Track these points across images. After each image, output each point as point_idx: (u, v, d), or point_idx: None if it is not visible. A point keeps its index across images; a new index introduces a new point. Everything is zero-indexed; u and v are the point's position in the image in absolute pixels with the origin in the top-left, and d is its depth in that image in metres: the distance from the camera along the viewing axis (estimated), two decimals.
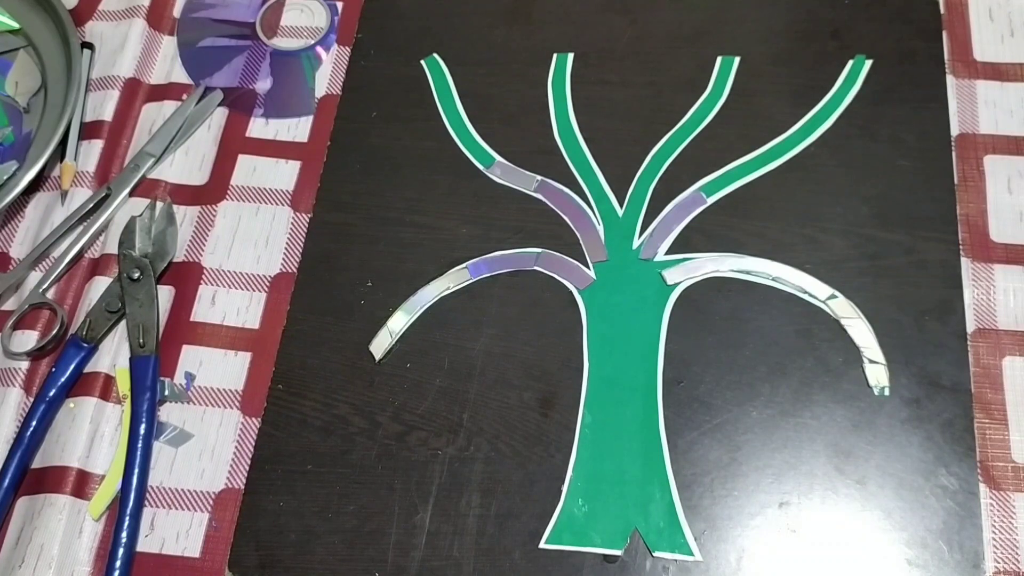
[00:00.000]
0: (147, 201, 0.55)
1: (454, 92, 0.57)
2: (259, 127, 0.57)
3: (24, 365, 0.51)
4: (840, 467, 0.45)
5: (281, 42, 0.61)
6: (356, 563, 0.45)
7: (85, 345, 0.50)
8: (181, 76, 0.60)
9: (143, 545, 0.46)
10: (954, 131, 0.53)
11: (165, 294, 0.52)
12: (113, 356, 0.51)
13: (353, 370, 0.49)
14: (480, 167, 0.54)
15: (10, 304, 0.53)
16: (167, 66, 0.60)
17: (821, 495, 0.45)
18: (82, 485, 0.48)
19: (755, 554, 0.44)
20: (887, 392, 0.46)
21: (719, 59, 0.56)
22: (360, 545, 0.45)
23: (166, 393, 0.50)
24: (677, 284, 0.50)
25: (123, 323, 0.51)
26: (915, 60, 0.55)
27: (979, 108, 0.53)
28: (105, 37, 0.61)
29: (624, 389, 0.47)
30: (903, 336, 0.47)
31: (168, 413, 0.49)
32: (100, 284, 0.52)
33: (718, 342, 0.48)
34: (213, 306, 0.52)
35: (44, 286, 0.53)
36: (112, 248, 0.53)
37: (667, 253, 0.51)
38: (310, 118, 0.57)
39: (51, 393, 0.49)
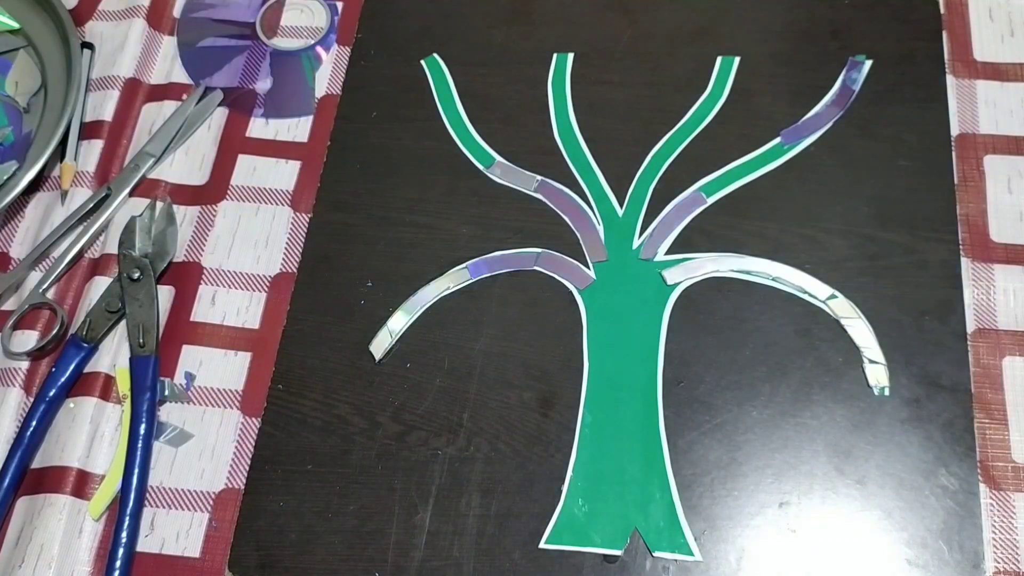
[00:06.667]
0: (147, 201, 0.55)
1: (454, 92, 0.57)
2: (259, 127, 0.57)
3: (24, 365, 0.51)
4: (840, 467, 0.45)
5: (281, 42, 0.61)
6: (356, 563, 0.45)
7: (85, 345, 0.50)
8: (181, 76, 0.60)
9: (143, 545, 0.46)
10: (954, 131, 0.53)
11: (165, 294, 0.52)
12: (113, 356, 0.51)
13: (353, 370, 0.49)
14: (480, 167, 0.54)
15: (10, 304, 0.53)
16: (167, 66, 0.60)
17: (821, 495, 0.45)
18: (82, 485, 0.48)
19: (755, 554, 0.44)
20: (887, 392, 0.46)
21: (719, 59, 0.56)
22: (360, 545, 0.45)
23: (166, 393, 0.50)
24: (677, 284, 0.50)
25: (123, 323, 0.51)
26: (915, 60, 0.55)
27: (979, 108, 0.53)
28: (105, 37, 0.61)
29: (624, 389, 0.47)
30: (903, 336, 0.47)
31: (168, 413, 0.49)
32: (100, 284, 0.52)
33: (718, 342, 0.48)
34: (213, 306, 0.52)
35: (44, 286, 0.53)
36: (112, 248, 0.53)
37: (667, 253, 0.51)
38: (310, 118, 0.57)
39: (51, 393, 0.49)
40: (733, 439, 0.46)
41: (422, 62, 0.58)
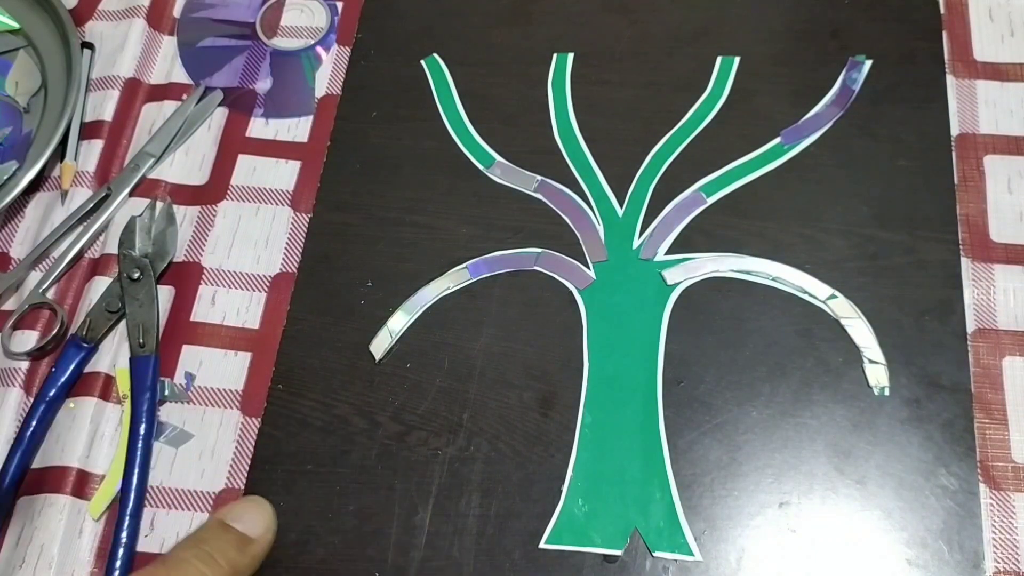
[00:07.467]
0: (147, 201, 0.55)
1: (454, 92, 0.57)
2: (259, 127, 0.57)
3: (24, 365, 0.51)
4: (840, 467, 0.45)
5: (281, 42, 0.61)
6: (356, 563, 0.45)
7: (85, 345, 0.50)
8: (181, 76, 0.60)
9: (143, 545, 0.46)
10: (954, 131, 0.53)
11: (165, 294, 0.52)
12: (113, 356, 0.51)
13: (353, 370, 0.49)
14: (480, 167, 0.54)
15: (10, 304, 0.53)
16: (167, 66, 0.60)
17: (821, 495, 0.45)
18: (82, 485, 0.48)
19: (755, 554, 0.44)
20: (887, 392, 0.46)
21: (719, 59, 0.56)
22: (360, 545, 0.45)
23: (166, 393, 0.50)
24: (677, 284, 0.50)
25: (123, 323, 0.51)
26: (915, 60, 0.55)
27: (979, 108, 0.53)
28: (105, 37, 0.61)
29: (624, 389, 0.47)
30: (903, 336, 0.47)
31: (168, 413, 0.49)
32: (100, 284, 0.52)
33: (718, 342, 0.48)
34: (213, 306, 0.52)
35: (44, 286, 0.53)
36: (112, 248, 0.53)
37: (667, 253, 0.51)
38: (310, 118, 0.57)
39: (51, 393, 0.49)
40: (733, 439, 0.46)
41: (422, 62, 0.58)
